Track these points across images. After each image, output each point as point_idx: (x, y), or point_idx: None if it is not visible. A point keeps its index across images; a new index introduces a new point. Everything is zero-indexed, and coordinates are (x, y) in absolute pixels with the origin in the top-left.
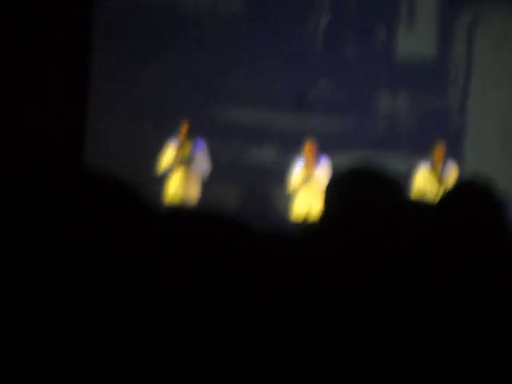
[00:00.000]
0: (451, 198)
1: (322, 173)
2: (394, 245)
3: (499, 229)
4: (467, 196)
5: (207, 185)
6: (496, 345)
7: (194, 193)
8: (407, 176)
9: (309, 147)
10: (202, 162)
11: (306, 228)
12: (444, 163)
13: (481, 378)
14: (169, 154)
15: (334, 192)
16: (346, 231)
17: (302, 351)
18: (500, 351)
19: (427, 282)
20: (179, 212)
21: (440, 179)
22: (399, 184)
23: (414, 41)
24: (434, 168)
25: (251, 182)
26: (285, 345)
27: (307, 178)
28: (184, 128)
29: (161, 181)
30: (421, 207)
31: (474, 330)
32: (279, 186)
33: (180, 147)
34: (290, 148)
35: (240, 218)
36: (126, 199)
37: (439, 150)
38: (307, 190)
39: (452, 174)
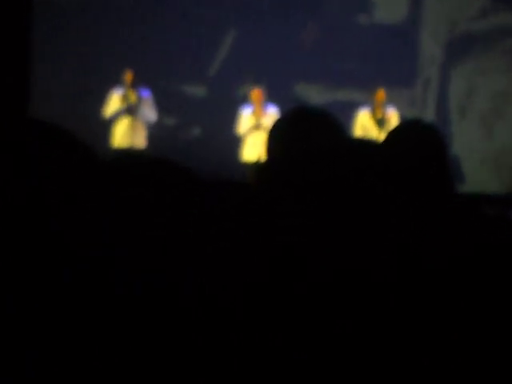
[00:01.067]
0: (394, 138)
1: (271, 120)
2: (338, 183)
3: (441, 167)
4: (410, 137)
5: (156, 130)
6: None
7: (140, 141)
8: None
9: (256, 94)
10: (148, 110)
11: (255, 171)
12: (385, 108)
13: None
14: (114, 102)
15: (277, 133)
16: (290, 171)
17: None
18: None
19: (372, 220)
20: (126, 158)
21: (381, 122)
22: (341, 125)
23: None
24: (375, 111)
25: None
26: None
27: (256, 125)
28: (128, 76)
29: (107, 129)
30: (364, 145)
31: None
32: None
33: (125, 95)
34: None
35: (188, 164)
36: (73, 147)
37: (380, 94)
38: (256, 136)
39: (393, 118)
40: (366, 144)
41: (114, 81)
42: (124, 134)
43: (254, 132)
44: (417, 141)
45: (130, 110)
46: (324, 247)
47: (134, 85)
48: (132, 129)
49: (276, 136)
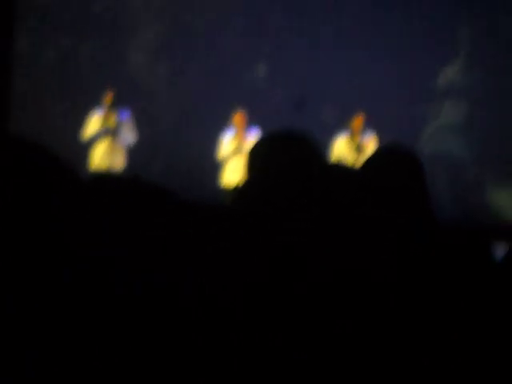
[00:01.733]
0: (372, 164)
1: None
2: (318, 208)
3: (419, 192)
4: (388, 163)
5: (133, 154)
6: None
7: (119, 163)
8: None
9: (238, 118)
10: (128, 132)
11: (235, 196)
12: (362, 133)
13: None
14: (94, 123)
15: (256, 155)
16: (267, 196)
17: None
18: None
19: (356, 243)
20: (105, 181)
21: (358, 149)
22: (320, 149)
23: None
24: (352, 138)
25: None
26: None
27: (238, 148)
28: (108, 97)
29: (86, 150)
30: (343, 170)
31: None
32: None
33: (105, 116)
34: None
35: (167, 188)
36: (52, 168)
37: (358, 121)
38: (238, 160)
39: (370, 144)
40: (343, 167)
41: (95, 101)
42: (103, 156)
43: (234, 156)
44: (395, 166)
45: (110, 132)
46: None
47: (114, 106)
48: (111, 150)
49: (255, 158)
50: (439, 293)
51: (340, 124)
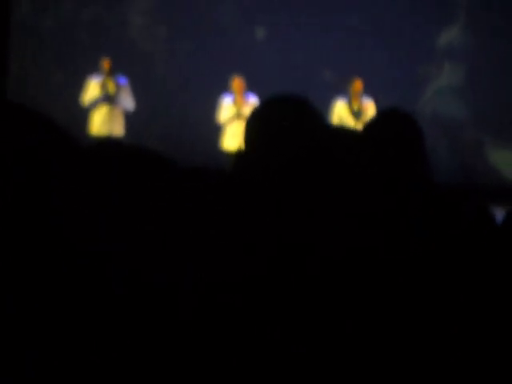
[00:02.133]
0: (372, 128)
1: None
2: (315, 169)
3: (418, 155)
4: (387, 126)
5: (132, 119)
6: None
7: (118, 129)
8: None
9: (237, 83)
10: (126, 98)
11: (235, 162)
12: (361, 98)
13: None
14: (92, 90)
15: (255, 121)
16: (268, 158)
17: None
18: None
19: (353, 208)
20: (105, 147)
21: (358, 113)
22: (320, 113)
23: None
24: (351, 102)
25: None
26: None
27: (237, 113)
28: (106, 64)
29: (85, 117)
30: (345, 134)
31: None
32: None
33: (104, 82)
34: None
35: (168, 154)
36: (52, 134)
37: (357, 85)
38: (237, 125)
39: (370, 108)
40: (345, 132)
41: (94, 67)
42: (102, 122)
43: (234, 121)
44: (394, 130)
45: (109, 98)
46: (313, 235)
47: (112, 72)
48: (110, 117)
49: (254, 124)
50: (440, 256)
51: (338, 87)
